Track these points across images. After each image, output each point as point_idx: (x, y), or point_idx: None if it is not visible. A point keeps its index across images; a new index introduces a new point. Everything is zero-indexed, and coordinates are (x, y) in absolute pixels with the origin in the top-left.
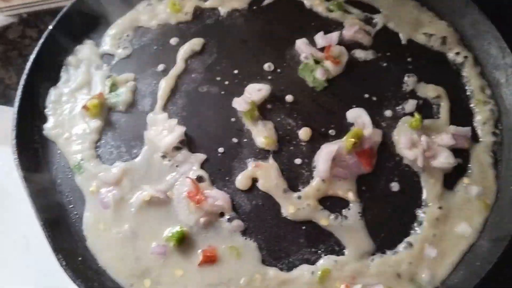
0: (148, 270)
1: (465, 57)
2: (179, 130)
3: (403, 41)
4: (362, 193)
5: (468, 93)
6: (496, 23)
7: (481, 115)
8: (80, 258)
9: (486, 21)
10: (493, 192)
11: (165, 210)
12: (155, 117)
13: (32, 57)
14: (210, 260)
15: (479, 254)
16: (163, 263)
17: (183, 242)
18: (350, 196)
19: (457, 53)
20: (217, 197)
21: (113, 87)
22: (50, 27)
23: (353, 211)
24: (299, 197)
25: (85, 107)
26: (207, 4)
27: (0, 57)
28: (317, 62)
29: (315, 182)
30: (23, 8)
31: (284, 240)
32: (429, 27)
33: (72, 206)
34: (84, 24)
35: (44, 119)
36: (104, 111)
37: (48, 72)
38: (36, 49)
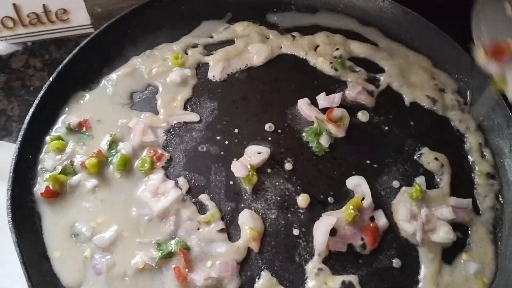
0: None
1: (468, 123)
2: (175, 194)
3: (407, 103)
4: (359, 266)
5: (470, 162)
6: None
7: (482, 188)
8: None
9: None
10: (492, 270)
11: (159, 279)
12: (151, 176)
13: (30, 111)
14: None
15: None
16: None
17: None
18: None
19: (461, 121)
20: (208, 272)
21: (113, 144)
22: (50, 79)
23: None
24: None
25: (83, 165)
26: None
27: (2, 87)
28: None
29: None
30: (28, 37)
31: None
32: (434, 90)
33: None
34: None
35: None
36: (101, 169)
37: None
38: (35, 103)
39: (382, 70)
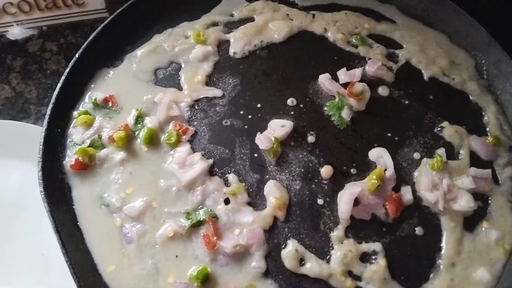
0: None
1: (487, 98)
2: (202, 165)
3: (426, 78)
4: (383, 234)
5: (489, 134)
6: None
7: (502, 159)
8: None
9: (509, 61)
10: None
11: (189, 246)
12: (178, 149)
13: (58, 86)
14: None
15: None
16: None
17: (207, 282)
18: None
19: (479, 95)
20: (236, 240)
21: (139, 118)
22: (76, 55)
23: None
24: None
25: (111, 138)
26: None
27: (19, 71)
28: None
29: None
30: (44, 21)
31: (305, 280)
32: (452, 66)
33: None
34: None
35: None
36: (128, 143)
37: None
38: (62, 78)
39: (400, 47)
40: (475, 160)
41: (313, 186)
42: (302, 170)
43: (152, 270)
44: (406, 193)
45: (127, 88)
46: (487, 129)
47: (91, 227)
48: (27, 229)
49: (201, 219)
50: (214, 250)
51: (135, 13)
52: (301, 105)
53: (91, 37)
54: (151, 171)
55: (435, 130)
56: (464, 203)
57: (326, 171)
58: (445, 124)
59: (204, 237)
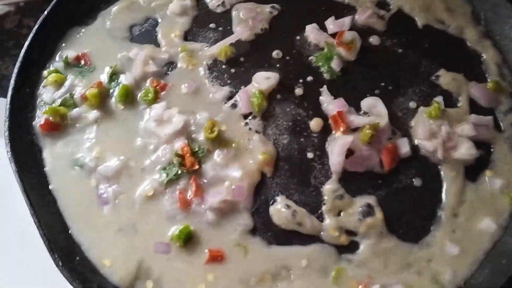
0: (150, 270)
1: (485, 44)
2: (181, 118)
3: (419, 26)
4: (378, 186)
5: (488, 80)
6: None
7: (504, 105)
8: (77, 258)
9: (507, 4)
10: None
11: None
12: (154, 106)
13: (26, 44)
14: (217, 259)
15: (504, 252)
16: (167, 262)
17: (190, 241)
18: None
19: (476, 41)
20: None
21: (114, 75)
22: (45, 12)
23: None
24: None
25: (83, 97)
26: None
27: None
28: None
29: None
30: None
31: (295, 237)
32: (447, 11)
33: None
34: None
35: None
36: (102, 101)
37: (44, 59)
38: (30, 36)
39: None
40: (475, 108)
41: (302, 139)
42: (290, 123)
43: (131, 231)
44: (403, 146)
45: (101, 46)
46: (486, 75)
47: (64, 189)
48: (5, 208)
49: (177, 172)
50: (186, 208)
51: None
52: (287, 57)
53: None
54: (127, 129)
55: (431, 78)
56: (465, 150)
57: (315, 123)
58: (441, 72)
59: (179, 194)
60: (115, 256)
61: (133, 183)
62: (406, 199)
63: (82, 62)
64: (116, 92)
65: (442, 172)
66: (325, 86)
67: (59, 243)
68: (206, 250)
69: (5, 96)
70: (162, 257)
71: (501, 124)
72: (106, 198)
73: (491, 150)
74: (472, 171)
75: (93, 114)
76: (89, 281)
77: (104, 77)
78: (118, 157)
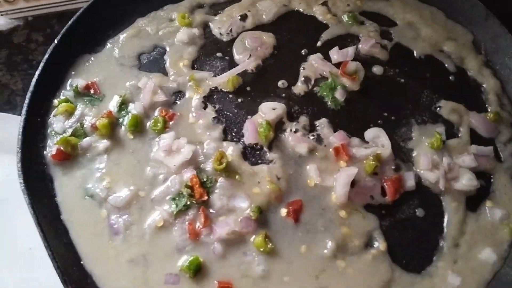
0: None
1: (485, 73)
2: (190, 148)
3: (422, 56)
4: (381, 217)
5: (488, 110)
6: None
7: (503, 135)
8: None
9: (507, 35)
10: None
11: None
12: (163, 136)
13: (36, 73)
14: None
15: (505, 282)
16: None
17: (199, 272)
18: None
19: (477, 71)
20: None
21: (123, 105)
22: (55, 41)
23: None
24: None
25: (93, 127)
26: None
27: (4, 62)
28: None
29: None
30: (29, 11)
31: None
32: (449, 42)
33: None
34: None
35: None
36: (112, 130)
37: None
38: (41, 65)
39: (394, 24)
40: (475, 138)
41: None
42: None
43: (141, 261)
44: (409, 179)
45: (110, 74)
46: (487, 105)
47: (75, 220)
48: (14, 223)
49: (186, 202)
50: (196, 239)
51: None
52: (293, 87)
53: (70, 22)
54: (137, 159)
55: (433, 108)
56: (466, 181)
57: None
58: (442, 102)
59: (188, 224)
60: (127, 287)
61: (143, 213)
62: (409, 229)
63: (92, 91)
64: (125, 121)
65: (444, 203)
66: (324, 119)
67: (72, 275)
68: (215, 282)
69: (14, 112)
70: None
71: (501, 154)
72: (117, 229)
73: (491, 180)
74: (473, 201)
75: (103, 143)
76: None
77: (113, 106)
78: (128, 187)
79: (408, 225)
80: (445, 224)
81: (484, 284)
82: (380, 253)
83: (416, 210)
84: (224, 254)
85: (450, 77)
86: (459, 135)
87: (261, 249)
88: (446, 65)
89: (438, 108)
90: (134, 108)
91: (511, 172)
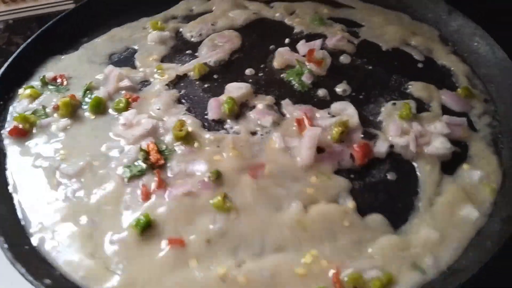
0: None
1: (453, 59)
2: (149, 121)
3: (389, 49)
4: (351, 181)
5: (459, 90)
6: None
7: (476, 109)
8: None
9: (471, 24)
10: (498, 177)
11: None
12: (124, 113)
13: (6, 64)
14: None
15: (489, 235)
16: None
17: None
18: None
19: (445, 58)
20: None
21: (88, 91)
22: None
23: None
24: None
25: (55, 107)
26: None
27: None
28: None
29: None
30: (9, 14)
31: None
32: (415, 37)
33: None
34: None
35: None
36: (74, 111)
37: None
38: (12, 57)
39: (361, 26)
40: (448, 113)
41: None
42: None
43: (88, 224)
44: (378, 144)
45: (79, 69)
46: (457, 85)
47: (24, 188)
48: None
49: (142, 168)
50: (148, 199)
51: (97, 7)
52: (260, 74)
53: (47, 24)
54: (95, 135)
55: (402, 89)
56: (439, 144)
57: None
58: (412, 83)
59: (142, 186)
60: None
61: (95, 179)
62: (380, 191)
63: (59, 81)
64: (89, 105)
65: (416, 167)
66: (289, 99)
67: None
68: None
69: None
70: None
71: (475, 125)
72: (65, 193)
73: (468, 147)
74: (449, 165)
75: (63, 122)
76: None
77: (79, 93)
78: (84, 159)
79: (380, 188)
80: (419, 186)
81: (467, 240)
82: (349, 211)
83: (387, 174)
84: (178, 214)
85: (419, 65)
86: (430, 110)
87: (220, 209)
88: (413, 55)
89: (408, 89)
90: (98, 93)
91: (488, 139)
